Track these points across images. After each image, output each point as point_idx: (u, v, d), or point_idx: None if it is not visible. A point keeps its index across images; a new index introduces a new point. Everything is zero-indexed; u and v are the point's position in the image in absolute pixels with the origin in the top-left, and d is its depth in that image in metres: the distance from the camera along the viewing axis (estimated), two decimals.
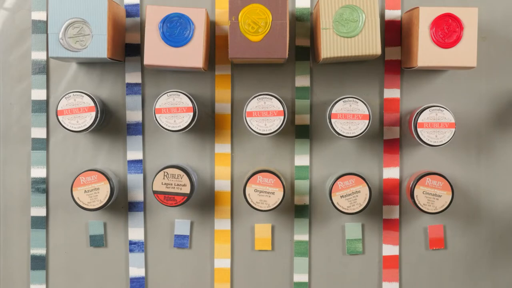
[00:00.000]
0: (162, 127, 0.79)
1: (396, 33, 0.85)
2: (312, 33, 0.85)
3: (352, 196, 0.80)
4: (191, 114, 0.79)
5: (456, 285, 0.86)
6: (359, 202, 0.80)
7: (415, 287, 0.86)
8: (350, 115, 0.79)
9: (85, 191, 0.81)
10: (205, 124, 0.86)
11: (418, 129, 0.79)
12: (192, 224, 0.86)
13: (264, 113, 0.79)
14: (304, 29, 0.85)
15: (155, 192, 0.80)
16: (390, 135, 0.85)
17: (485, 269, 0.86)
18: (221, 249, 0.86)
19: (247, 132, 0.85)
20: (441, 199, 0.80)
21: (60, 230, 0.86)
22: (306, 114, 0.85)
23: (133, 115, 0.85)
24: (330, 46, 0.76)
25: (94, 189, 0.81)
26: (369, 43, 0.76)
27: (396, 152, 0.85)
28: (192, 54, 0.77)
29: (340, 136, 0.79)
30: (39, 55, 0.85)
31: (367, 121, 0.79)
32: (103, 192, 0.81)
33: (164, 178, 0.80)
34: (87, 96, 0.80)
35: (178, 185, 0.80)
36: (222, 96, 0.85)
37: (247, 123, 0.79)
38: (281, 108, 0.79)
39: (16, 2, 0.86)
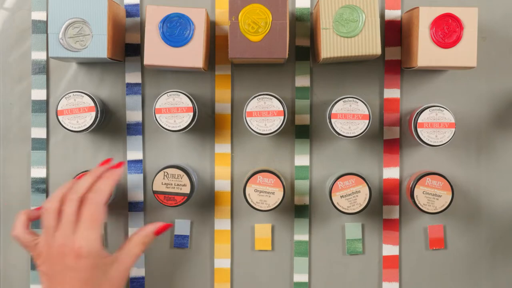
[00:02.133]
0: (162, 127, 0.79)
1: (396, 33, 0.85)
2: (312, 33, 0.85)
3: (352, 196, 0.80)
4: (191, 114, 0.79)
5: (456, 285, 0.86)
6: (359, 202, 0.80)
7: (415, 287, 0.86)
8: (350, 115, 0.79)
9: None
10: (205, 124, 0.86)
11: (418, 129, 0.79)
12: (192, 224, 0.86)
13: (264, 113, 0.79)
14: (304, 29, 0.85)
15: (155, 192, 0.80)
16: (390, 135, 0.85)
17: (485, 269, 0.86)
18: (221, 249, 0.86)
19: (247, 132, 0.85)
20: (441, 199, 0.80)
21: None
22: (306, 114, 0.85)
23: (133, 115, 0.85)
24: (330, 46, 0.76)
25: None
26: (369, 43, 0.76)
27: (396, 152, 0.85)
28: (192, 54, 0.77)
29: (340, 136, 0.79)
30: (39, 55, 0.85)
31: (367, 121, 0.79)
32: None
33: (164, 178, 0.80)
34: (87, 96, 0.80)
35: (178, 185, 0.80)
36: (222, 96, 0.85)
37: (247, 123, 0.79)
38: (281, 108, 0.79)
39: (16, 2, 0.86)
